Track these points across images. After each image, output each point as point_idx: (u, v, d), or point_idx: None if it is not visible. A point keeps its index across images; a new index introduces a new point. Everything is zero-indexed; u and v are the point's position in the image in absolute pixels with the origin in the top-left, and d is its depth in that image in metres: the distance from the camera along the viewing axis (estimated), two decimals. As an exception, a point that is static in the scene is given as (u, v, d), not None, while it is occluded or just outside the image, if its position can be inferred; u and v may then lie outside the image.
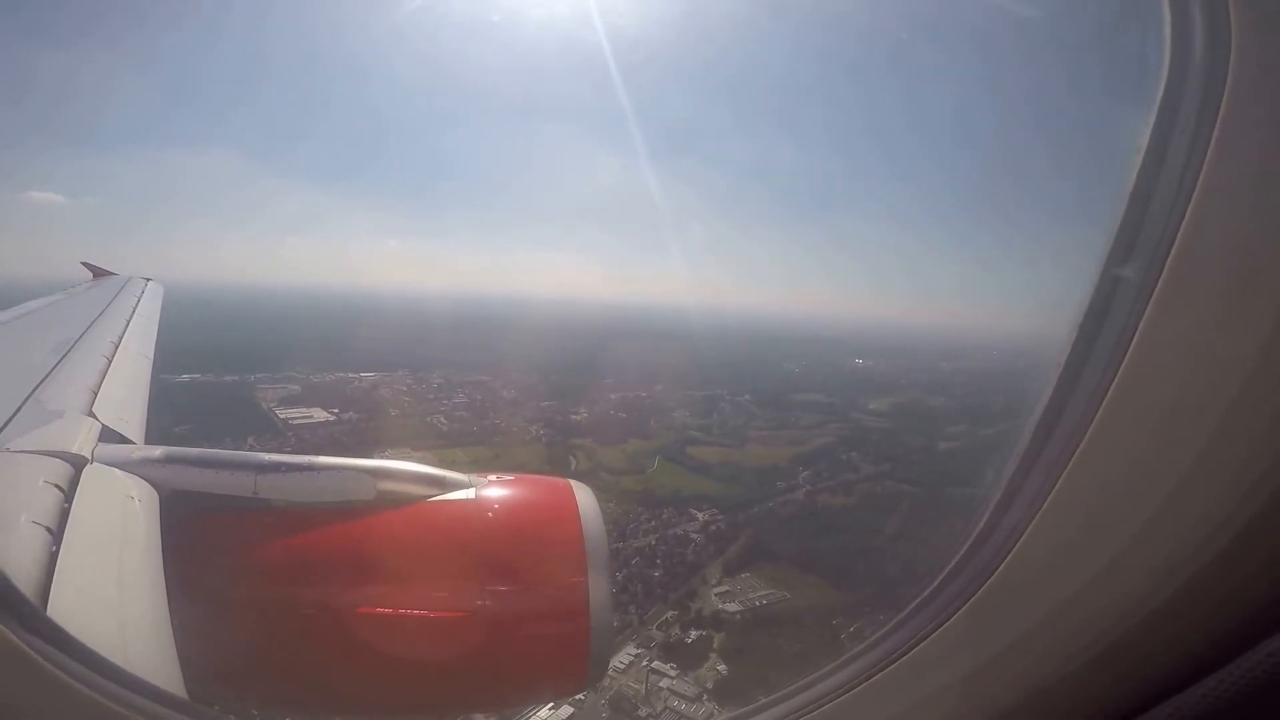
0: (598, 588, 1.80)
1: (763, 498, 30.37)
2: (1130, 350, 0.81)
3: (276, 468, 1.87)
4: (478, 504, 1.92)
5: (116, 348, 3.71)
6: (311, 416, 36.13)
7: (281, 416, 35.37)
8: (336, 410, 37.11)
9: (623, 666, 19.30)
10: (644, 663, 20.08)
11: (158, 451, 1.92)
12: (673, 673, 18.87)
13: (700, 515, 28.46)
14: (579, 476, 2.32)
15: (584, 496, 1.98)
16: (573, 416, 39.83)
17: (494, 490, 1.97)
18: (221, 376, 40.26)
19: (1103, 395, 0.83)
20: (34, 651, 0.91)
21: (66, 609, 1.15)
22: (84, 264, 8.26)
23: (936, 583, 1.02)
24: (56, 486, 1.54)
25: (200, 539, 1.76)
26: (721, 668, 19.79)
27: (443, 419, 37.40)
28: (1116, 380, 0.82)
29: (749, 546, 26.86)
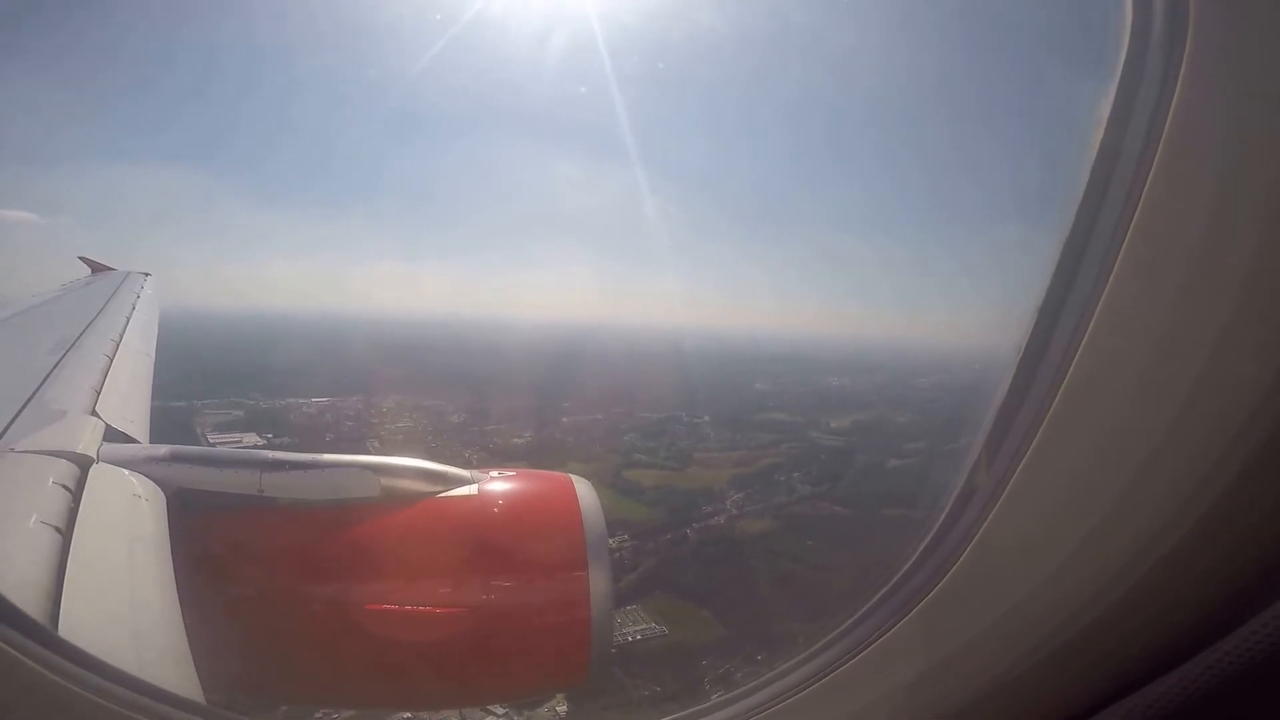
0: (598, 580, 1.83)
1: (682, 523, 28.89)
2: (1086, 339, 0.79)
3: (281, 465, 1.90)
4: (480, 500, 1.95)
5: (118, 346, 3.65)
6: (241, 441, 36.24)
7: (211, 441, 35.59)
8: (270, 435, 37.20)
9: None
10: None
11: (163, 450, 1.93)
12: (500, 711, 17.44)
13: (611, 541, 27.18)
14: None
15: (583, 490, 2.02)
16: (515, 440, 39.14)
17: (495, 486, 2.00)
18: (168, 402, 40.78)
19: (1058, 387, 0.80)
20: (39, 664, 0.91)
21: (78, 609, 1.15)
22: (81, 259, 8.24)
23: (894, 579, 1.00)
24: (64, 487, 1.54)
25: (208, 537, 1.77)
26: (561, 709, 18.29)
27: (376, 443, 37.13)
28: (1072, 370, 0.79)
29: (648, 575, 25.32)
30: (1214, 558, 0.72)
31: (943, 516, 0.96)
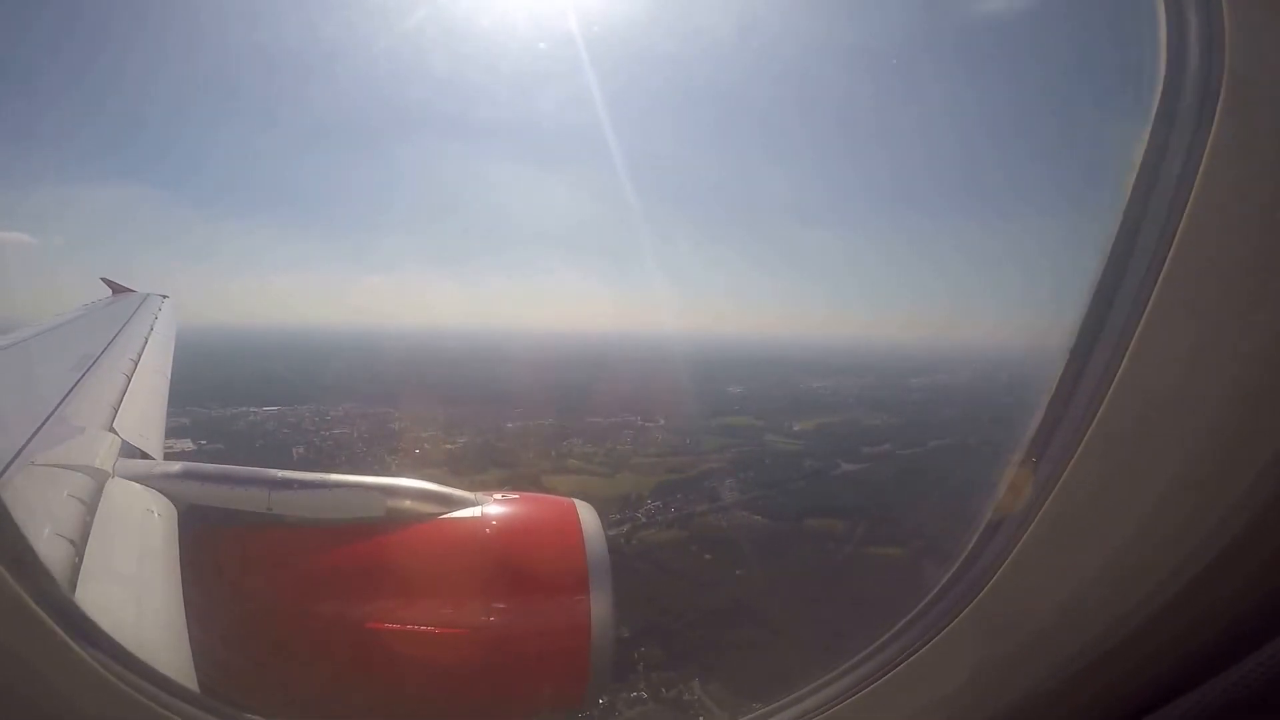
0: (599, 605, 1.89)
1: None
2: (1126, 359, 0.81)
3: (289, 484, 1.96)
4: (483, 523, 2.01)
5: (136, 365, 3.75)
6: (173, 447, 36.51)
7: (145, 447, 35.94)
8: (204, 441, 37.31)
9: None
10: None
11: (176, 467, 2.01)
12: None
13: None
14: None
15: (586, 515, 2.07)
16: (445, 446, 37.74)
17: (499, 509, 2.06)
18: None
19: (1100, 402, 0.83)
20: (77, 646, 0.95)
21: None
22: (103, 280, 8.36)
23: (939, 587, 1.01)
24: (79, 500, 1.59)
25: (217, 553, 1.82)
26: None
27: (301, 449, 36.55)
28: (1113, 387, 0.82)
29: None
30: (1250, 573, 0.73)
31: (984, 524, 0.96)
